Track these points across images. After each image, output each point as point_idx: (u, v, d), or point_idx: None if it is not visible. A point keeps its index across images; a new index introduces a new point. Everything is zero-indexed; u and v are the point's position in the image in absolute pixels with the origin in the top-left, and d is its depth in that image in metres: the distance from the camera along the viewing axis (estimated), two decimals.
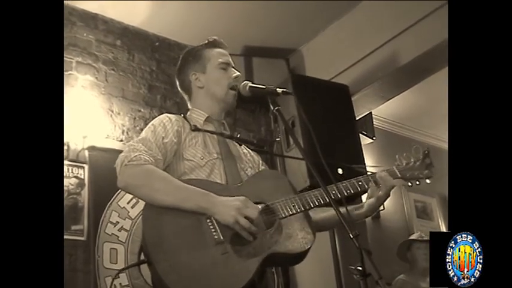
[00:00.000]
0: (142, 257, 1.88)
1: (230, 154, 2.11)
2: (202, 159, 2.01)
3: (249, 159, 2.20)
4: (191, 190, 1.85)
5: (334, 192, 1.91)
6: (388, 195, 2.03)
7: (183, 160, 2.00)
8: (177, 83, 2.28)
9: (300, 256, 1.86)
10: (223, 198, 1.83)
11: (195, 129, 2.07)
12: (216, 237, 1.79)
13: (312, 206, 1.91)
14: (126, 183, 1.90)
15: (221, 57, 2.20)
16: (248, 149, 2.25)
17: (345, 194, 1.95)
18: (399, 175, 2.05)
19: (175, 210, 1.82)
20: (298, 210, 1.89)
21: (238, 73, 2.20)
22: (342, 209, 1.74)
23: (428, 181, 2.08)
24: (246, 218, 1.79)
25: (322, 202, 1.91)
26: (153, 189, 1.85)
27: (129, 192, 1.96)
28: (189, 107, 2.23)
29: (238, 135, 2.22)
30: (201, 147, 2.04)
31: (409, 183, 2.09)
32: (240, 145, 2.23)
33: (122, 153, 1.92)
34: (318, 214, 2.03)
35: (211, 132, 2.11)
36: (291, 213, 1.88)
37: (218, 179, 1.99)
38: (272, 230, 1.84)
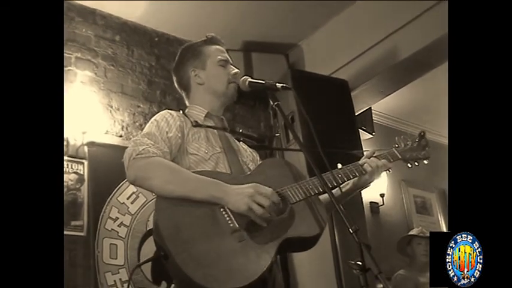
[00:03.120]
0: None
1: (232, 148, 2.12)
2: (206, 153, 2.01)
3: (248, 154, 2.22)
4: (202, 180, 1.86)
5: (340, 175, 1.99)
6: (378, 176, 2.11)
7: (187, 155, 2.00)
8: (175, 79, 2.28)
9: (314, 239, 1.88)
10: (235, 186, 1.84)
11: (197, 124, 2.08)
12: (231, 225, 1.79)
13: (320, 191, 1.93)
14: (136, 176, 1.87)
15: (220, 54, 2.21)
16: (246, 146, 2.26)
17: (341, 182, 2.02)
18: (399, 156, 2.15)
19: (188, 201, 1.81)
20: (308, 195, 1.91)
21: (237, 70, 2.20)
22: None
23: (426, 162, 2.19)
24: (259, 204, 1.79)
25: (330, 185, 1.96)
26: (164, 181, 1.83)
27: (139, 186, 1.95)
28: (187, 103, 2.24)
29: (241, 130, 2.23)
30: (204, 142, 2.05)
31: (409, 164, 2.18)
32: (239, 141, 2.23)
33: (129, 148, 1.91)
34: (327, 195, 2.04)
35: (213, 127, 2.12)
36: (301, 198, 1.90)
37: (223, 172, 2.00)
38: (285, 215, 1.86)
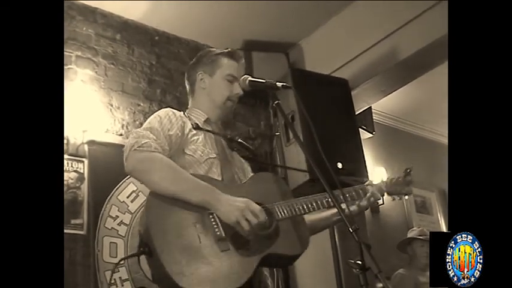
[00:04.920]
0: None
1: (226, 156, 2.14)
2: (201, 156, 2.04)
3: (240, 164, 2.24)
4: (197, 183, 1.88)
5: (327, 200, 2.03)
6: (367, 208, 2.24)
7: (183, 154, 2.02)
8: (186, 75, 2.32)
9: (293, 259, 1.94)
10: (228, 196, 1.86)
11: (197, 127, 2.10)
12: (218, 233, 1.81)
13: (307, 211, 2.00)
14: (134, 167, 1.89)
15: (231, 69, 2.23)
16: (239, 156, 2.27)
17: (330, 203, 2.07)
18: (385, 189, 2.26)
19: (179, 202, 1.83)
20: (294, 214, 1.96)
21: (241, 92, 2.20)
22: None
23: (406, 197, 2.34)
24: (247, 220, 1.82)
25: (316, 208, 2.03)
26: (160, 177, 1.85)
27: (135, 177, 1.96)
28: (190, 104, 2.27)
29: (239, 140, 2.25)
30: (201, 145, 2.06)
31: (392, 198, 2.32)
32: (233, 150, 2.24)
33: (131, 138, 1.93)
34: (312, 216, 2.13)
35: (212, 132, 2.15)
36: (287, 215, 1.94)
37: (215, 178, 2.01)
38: (270, 231, 1.88)
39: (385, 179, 2.31)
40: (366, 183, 2.28)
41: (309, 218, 2.12)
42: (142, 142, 1.88)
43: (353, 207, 2.16)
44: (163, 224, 1.78)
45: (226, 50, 2.28)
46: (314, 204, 2.00)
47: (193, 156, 2.02)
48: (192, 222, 1.81)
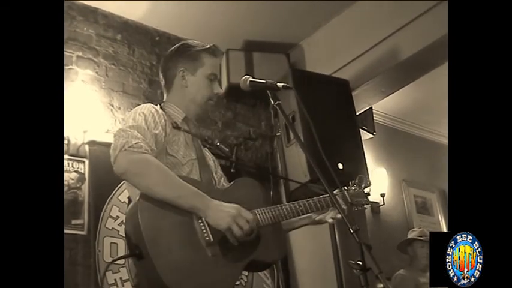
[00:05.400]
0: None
1: (203, 156, 2.16)
2: (184, 157, 2.04)
3: (212, 162, 2.26)
4: (188, 188, 1.87)
5: (301, 208, 2.05)
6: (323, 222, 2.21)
7: (166, 155, 2.00)
8: (161, 66, 2.26)
9: (270, 265, 1.97)
10: (217, 202, 1.88)
11: (177, 127, 2.08)
12: (207, 238, 1.83)
13: (288, 218, 2.03)
14: (126, 169, 1.84)
15: (213, 69, 2.21)
16: (210, 153, 2.28)
17: (308, 211, 2.10)
18: (349, 200, 2.19)
19: (169, 206, 1.83)
20: (275, 220, 1.99)
21: (221, 91, 2.23)
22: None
23: (366, 206, 2.30)
24: (239, 226, 1.84)
25: (295, 215, 2.06)
26: (153, 181, 1.83)
27: (126, 179, 1.91)
28: (165, 97, 2.23)
29: (218, 144, 2.27)
30: (182, 146, 2.07)
31: (355, 208, 2.25)
32: (204, 147, 2.24)
33: (119, 137, 1.87)
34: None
35: (191, 134, 2.14)
36: (269, 222, 1.97)
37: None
38: (252, 237, 1.91)
39: (347, 188, 2.25)
40: (353, 188, 2.24)
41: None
42: (133, 143, 1.84)
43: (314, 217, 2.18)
44: (155, 227, 1.78)
45: (208, 46, 2.23)
46: (295, 211, 2.04)
47: (175, 157, 2.01)
48: (182, 227, 1.82)
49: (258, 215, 1.94)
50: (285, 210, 2.01)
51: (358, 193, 2.24)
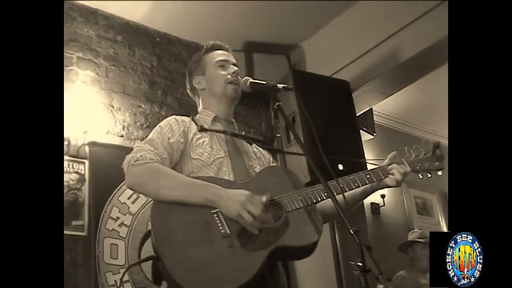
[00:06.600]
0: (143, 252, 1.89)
1: (238, 152, 2.13)
2: (209, 157, 2.03)
3: (259, 156, 2.23)
4: (197, 184, 1.89)
5: (341, 185, 1.96)
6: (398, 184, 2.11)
7: (190, 159, 2.03)
8: (188, 87, 2.33)
9: (307, 249, 1.89)
10: (229, 190, 1.85)
11: (202, 129, 2.11)
12: (222, 231, 1.81)
13: (319, 200, 1.95)
14: (133, 182, 1.92)
15: (219, 57, 2.25)
16: (259, 148, 2.27)
17: (353, 187, 2.01)
18: (408, 167, 2.11)
19: (183, 205, 1.84)
20: (305, 204, 1.93)
21: (235, 68, 2.22)
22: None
23: (440, 173, 2.14)
24: (249, 213, 1.80)
25: (328, 197, 1.93)
26: (159, 186, 1.87)
27: (136, 191, 2.02)
28: (199, 110, 2.28)
29: (250, 132, 2.24)
30: (208, 147, 2.07)
31: (420, 175, 2.15)
32: (251, 144, 2.24)
33: (129, 154, 1.95)
34: (325, 204, 2.04)
35: (217, 131, 2.14)
36: (297, 207, 1.92)
37: (226, 177, 2.01)
38: (279, 224, 1.86)
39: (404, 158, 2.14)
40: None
41: (323, 206, 2.03)
42: (138, 156, 1.91)
43: (385, 182, 2.09)
44: (167, 229, 1.80)
45: (205, 48, 2.30)
46: (326, 193, 1.92)
47: (200, 159, 2.02)
48: (196, 225, 1.82)
49: (285, 201, 1.91)
50: (316, 191, 1.94)
51: (425, 158, 2.13)
